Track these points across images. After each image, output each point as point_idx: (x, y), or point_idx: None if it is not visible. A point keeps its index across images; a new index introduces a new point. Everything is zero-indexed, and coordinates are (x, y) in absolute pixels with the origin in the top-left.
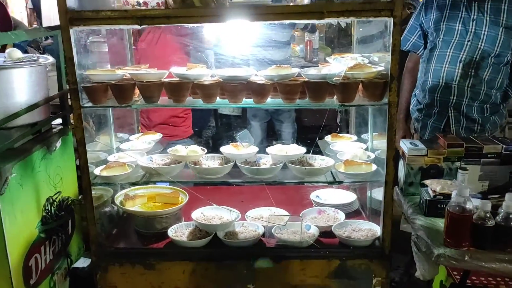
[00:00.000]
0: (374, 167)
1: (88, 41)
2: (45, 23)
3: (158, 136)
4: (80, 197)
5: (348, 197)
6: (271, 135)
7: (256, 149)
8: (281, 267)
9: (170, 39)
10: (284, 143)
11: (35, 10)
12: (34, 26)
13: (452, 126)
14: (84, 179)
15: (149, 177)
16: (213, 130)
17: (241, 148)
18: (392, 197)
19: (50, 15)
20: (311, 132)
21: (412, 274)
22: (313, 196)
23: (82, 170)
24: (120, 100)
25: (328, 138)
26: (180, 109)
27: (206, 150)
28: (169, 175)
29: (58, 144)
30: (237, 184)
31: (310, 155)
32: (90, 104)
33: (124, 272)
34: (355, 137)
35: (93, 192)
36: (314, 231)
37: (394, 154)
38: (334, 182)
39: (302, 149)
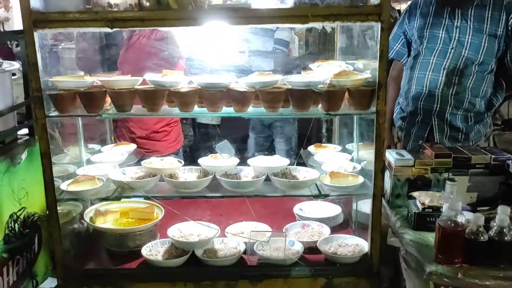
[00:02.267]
0: (361, 179)
1: (60, 47)
2: None
3: (132, 146)
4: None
5: (332, 210)
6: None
7: (237, 160)
8: (264, 287)
9: (145, 44)
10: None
11: None
12: None
13: (435, 135)
14: (49, 195)
15: (121, 191)
16: (191, 139)
17: (220, 160)
18: (380, 211)
19: None
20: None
21: None
22: (296, 209)
23: (47, 185)
24: (90, 109)
25: (311, 148)
26: (161, 122)
27: (183, 162)
28: (143, 190)
29: (24, 156)
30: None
31: (294, 166)
32: (56, 113)
33: None
34: (339, 147)
35: (59, 208)
36: (298, 247)
37: (382, 166)
38: (320, 196)
39: (285, 161)
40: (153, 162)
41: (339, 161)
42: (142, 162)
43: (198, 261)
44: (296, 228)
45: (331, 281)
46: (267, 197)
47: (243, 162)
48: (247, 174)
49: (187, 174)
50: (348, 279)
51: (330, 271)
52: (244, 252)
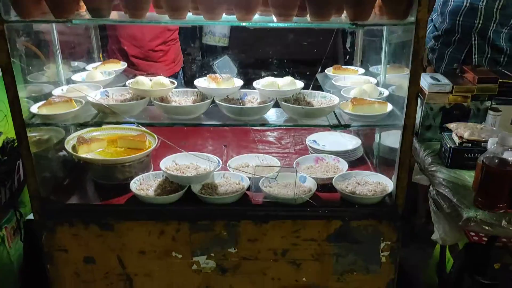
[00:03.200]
0: (389, 107)
1: None
2: None
3: (122, 65)
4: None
5: (351, 142)
6: None
7: (241, 82)
8: (270, 229)
9: None
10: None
11: None
12: None
13: (474, 56)
14: (15, 118)
15: (103, 117)
16: (198, 63)
17: (220, 82)
18: (411, 145)
19: None
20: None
21: (414, 225)
22: (309, 140)
23: (12, 107)
24: (57, 12)
25: (329, 70)
26: (157, 39)
27: (176, 83)
28: (128, 115)
29: None
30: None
31: (309, 91)
32: (17, 18)
33: (76, 233)
34: (362, 70)
35: (35, 134)
36: (310, 184)
37: (417, 92)
38: (339, 126)
39: (298, 84)
40: (140, 82)
41: (362, 86)
42: (127, 82)
43: (195, 198)
44: (308, 162)
45: (347, 223)
46: (276, 126)
47: (249, 86)
48: (252, 99)
49: (181, 98)
50: (368, 222)
51: (346, 213)
52: (248, 189)
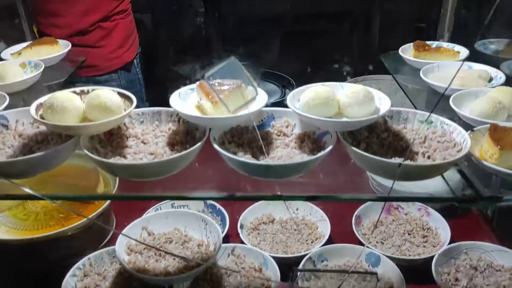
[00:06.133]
0: None
1: None
2: None
3: (62, 47)
4: None
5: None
6: None
7: (264, 100)
8: None
9: None
10: None
11: None
12: None
13: None
14: None
15: None
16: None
17: (219, 104)
18: None
19: None
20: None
21: None
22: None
23: None
24: None
25: (405, 50)
26: (94, 13)
27: (134, 102)
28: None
29: None
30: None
31: (394, 108)
32: None
33: None
34: (461, 48)
35: None
36: (389, 272)
37: None
38: (478, 202)
39: (384, 102)
40: (60, 107)
41: (490, 91)
42: (34, 106)
43: None
44: (372, 214)
45: None
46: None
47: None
48: (284, 127)
49: (147, 129)
50: None
51: None
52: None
